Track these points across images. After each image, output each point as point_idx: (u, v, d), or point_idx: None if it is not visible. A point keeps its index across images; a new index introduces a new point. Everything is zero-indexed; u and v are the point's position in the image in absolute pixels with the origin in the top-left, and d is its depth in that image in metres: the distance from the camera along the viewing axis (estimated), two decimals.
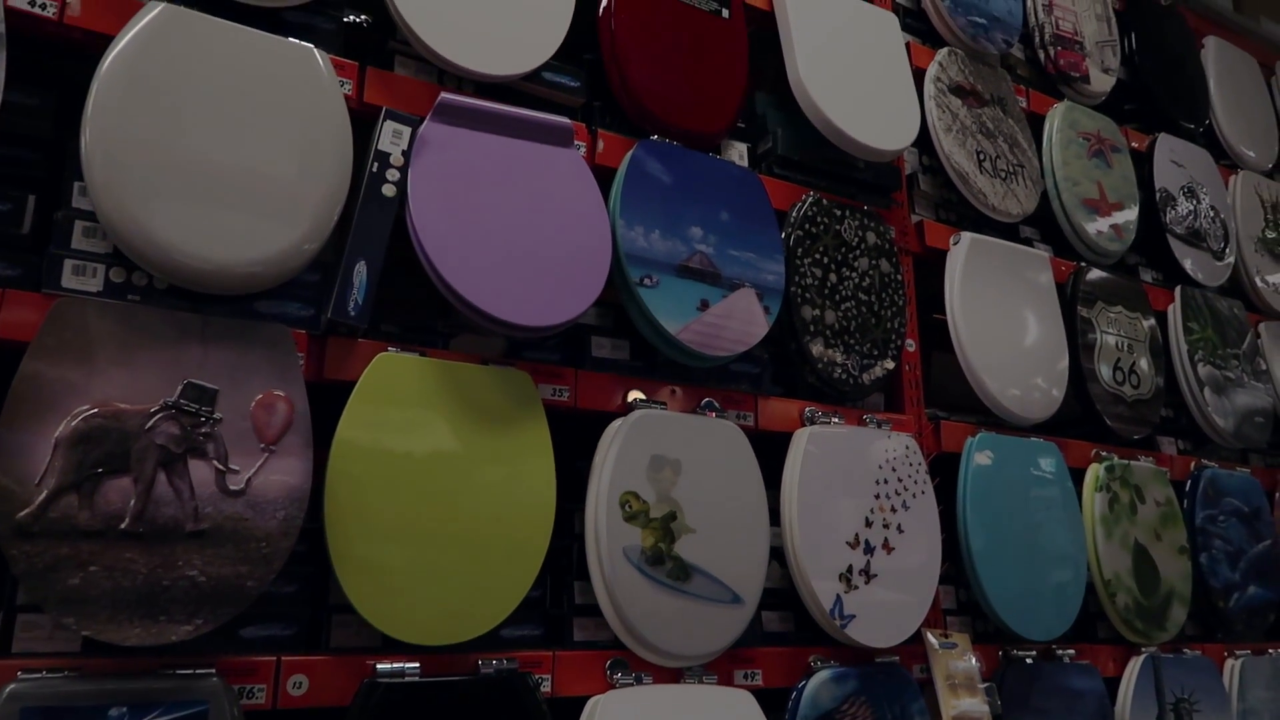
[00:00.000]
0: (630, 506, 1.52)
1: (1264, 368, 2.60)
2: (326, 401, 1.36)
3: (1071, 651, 2.00)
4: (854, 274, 1.92)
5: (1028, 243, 2.34)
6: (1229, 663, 2.27)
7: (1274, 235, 2.81)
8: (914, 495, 1.83)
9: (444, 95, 1.53)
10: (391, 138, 1.47)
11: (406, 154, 1.47)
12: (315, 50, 1.43)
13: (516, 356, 1.59)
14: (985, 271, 2.11)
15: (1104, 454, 2.20)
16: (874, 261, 1.96)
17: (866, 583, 1.72)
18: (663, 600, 1.51)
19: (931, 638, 1.82)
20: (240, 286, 1.32)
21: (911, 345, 2.05)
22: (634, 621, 1.47)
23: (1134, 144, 2.63)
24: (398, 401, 1.38)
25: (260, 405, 1.26)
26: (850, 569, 1.70)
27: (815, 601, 1.65)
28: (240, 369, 1.27)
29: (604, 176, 1.69)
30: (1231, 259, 2.67)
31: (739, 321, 1.69)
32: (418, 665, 1.30)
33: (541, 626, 1.54)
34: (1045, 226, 2.41)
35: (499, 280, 1.45)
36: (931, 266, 2.13)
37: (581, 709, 1.44)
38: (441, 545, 1.36)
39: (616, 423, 1.56)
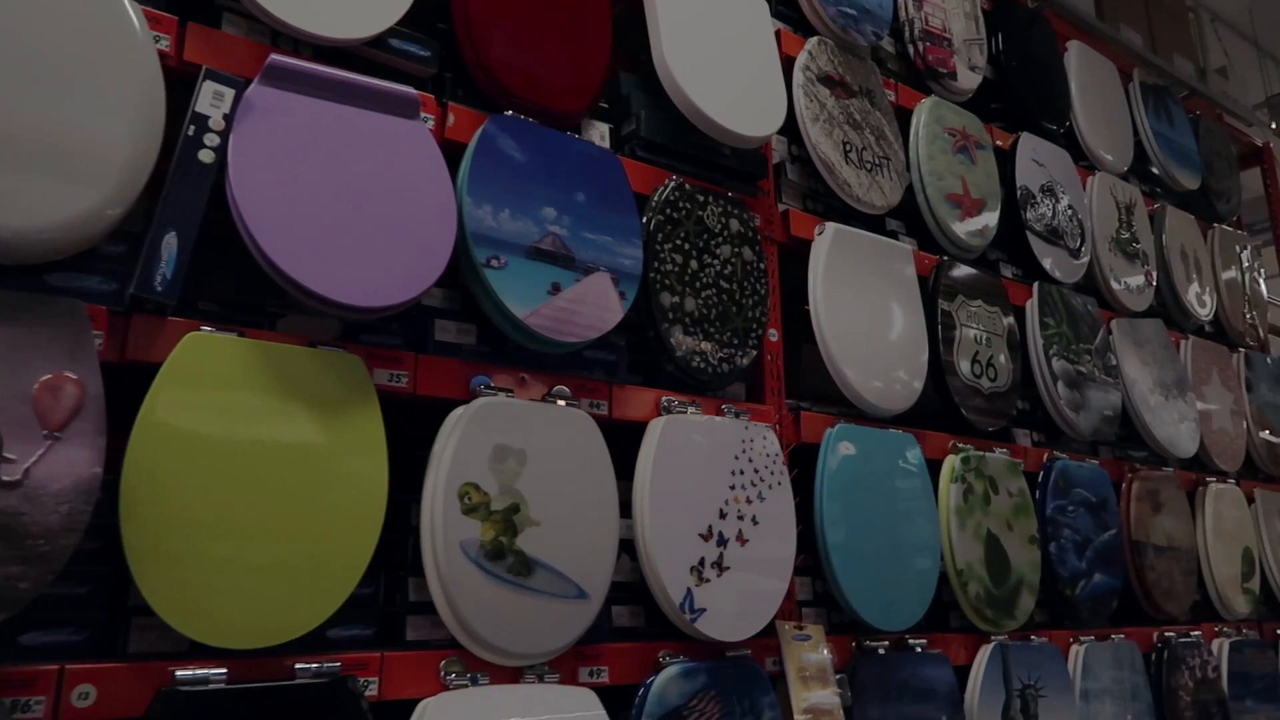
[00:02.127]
0: (470, 499, 1.44)
1: (1114, 363, 2.69)
2: (130, 386, 1.24)
3: (924, 641, 2.02)
4: (716, 261, 1.89)
5: (893, 235, 2.35)
6: (1074, 648, 2.34)
7: (1127, 236, 2.92)
8: (770, 486, 1.81)
9: (274, 57, 1.42)
10: (212, 99, 1.36)
11: (229, 117, 1.35)
12: (125, 1, 1.31)
13: (353, 340, 1.49)
14: (849, 262, 2.11)
15: (961, 445, 2.23)
16: (737, 249, 1.93)
17: (719, 575, 1.69)
18: (502, 596, 1.44)
19: (785, 630, 1.81)
20: (33, 255, 1.20)
21: (774, 335, 2.03)
22: (470, 619, 1.40)
23: (998, 142, 2.69)
24: (209, 385, 1.27)
25: (45, 388, 1.14)
26: (702, 561, 1.67)
27: (665, 595, 1.61)
28: (23, 348, 1.14)
29: (454, 153, 1.61)
30: (1087, 257, 2.75)
31: (592, 306, 1.63)
32: (224, 671, 1.20)
33: (374, 626, 1.45)
34: (911, 220, 2.43)
35: (328, 256, 1.36)
36: (798, 256, 2.12)
37: (413, 712, 1.37)
38: (255, 540, 1.26)
39: (457, 411, 1.49)
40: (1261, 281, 3.47)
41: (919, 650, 2.00)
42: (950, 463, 2.19)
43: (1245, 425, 3.13)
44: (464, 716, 1.36)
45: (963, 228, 2.38)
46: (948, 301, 2.30)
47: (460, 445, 1.45)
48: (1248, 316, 3.35)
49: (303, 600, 1.28)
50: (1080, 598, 2.37)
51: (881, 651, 1.93)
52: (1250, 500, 3.07)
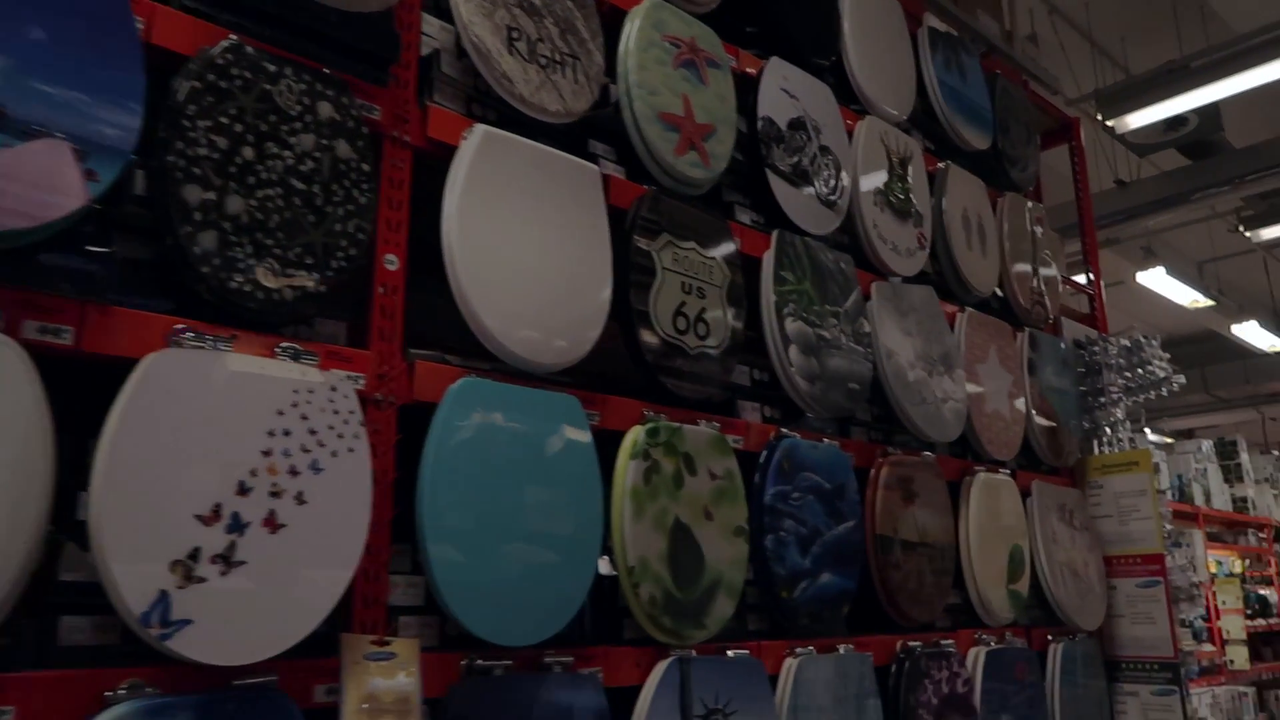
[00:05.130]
0: None
1: (867, 330, 2.33)
2: None
3: (568, 659, 1.59)
4: (288, 153, 1.41)
5: (593, 159, 1.92)
6: (787, 662, 1.96)
7: (900, 193, 2.58)
8: (335, 454, 1.35)
9: None
10: None
11: None
12: None
13: None
14: (505, 178, 1.66)
15: (653, 415, 1.82)
16: (326, 141, 1.46)
17: (225, 573, 1.21)
18: None
19: (354, 645, 1.35)
20: None
21: (394, 262, 1.57)
22: None
23: (748, 69, 2.30)
24: None
25: None
26: (196, 553, 1.19)
27: (120, 599, 1.13)
28: None
29: None
30: (844, 208, 2.39)
31: (26, 186, 1.13)
32: None
33: None
34: (625, 145, 2.01)
35: None
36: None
37: None
38: None
39: None
40: (1051, 256, 3.21)
41: (559, 670, 1.57)
42: (633, 435, 1.77)
43: (1025, 411, 2.85)
44: None
45: (679, 154, 1.97)
46: (649, 240, 1.88)
47: None
48: (1036, 293, 3.08)
49: None
50: (800, 601, 1.99)
51: (499, 673, 1.49)
52: (1026, 493, 2.79)
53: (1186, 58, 5.35)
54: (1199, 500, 8.49)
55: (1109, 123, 5.58)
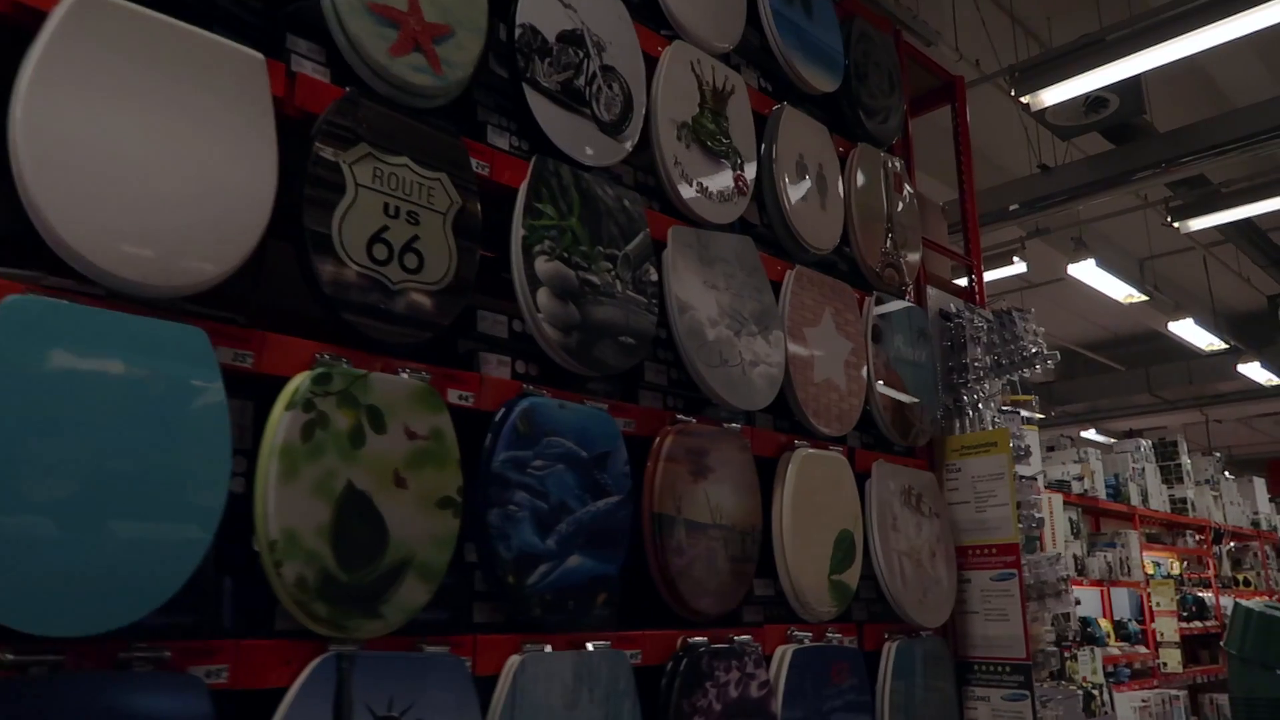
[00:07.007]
0: None
1: (654, 279, 2.02)
2: None
3: (162, 654, 1.26)
4: None
5: (282, 55, 1.60)
6: (510, 659, 1.64)
7: (712, 127, 2.27)
8: None
9: None
10: None
11: None
12: None
13: None
14: (113, 57, 1.33)
15: (328, 358, 1.50)
16: None
17: None
18: None
19: None
20: None
21: None
22: None
23: None
24: None
25: None
26: None
27: None
28: None
29: None
30: (633, 139, 2.08)
31: None
32: None
33: None
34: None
35: None
36: None
37: None
38: None
39: None
40: (912, 217, 2.92)
41: (143, 669, 1.24)
42: (295, 382, 1.45)
43: (864, 382, 2.55)
44: None
45: (397, 56, 1.65)
46: (339, 149, 1.56)
47: None
48: (887, 255, 2.78)
49: None
50: (533, 589, 1.68)
51: (37, 671, 1.16)
52: (865, 474, 2.50)
53: (1102, 31, 5.11)
54: (1135, 500, 8.32)
55: (1023, 99, 5.33)
